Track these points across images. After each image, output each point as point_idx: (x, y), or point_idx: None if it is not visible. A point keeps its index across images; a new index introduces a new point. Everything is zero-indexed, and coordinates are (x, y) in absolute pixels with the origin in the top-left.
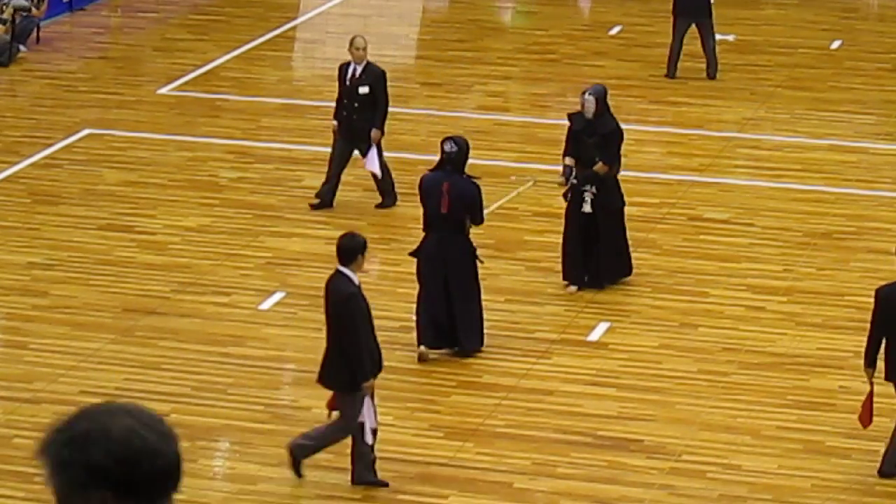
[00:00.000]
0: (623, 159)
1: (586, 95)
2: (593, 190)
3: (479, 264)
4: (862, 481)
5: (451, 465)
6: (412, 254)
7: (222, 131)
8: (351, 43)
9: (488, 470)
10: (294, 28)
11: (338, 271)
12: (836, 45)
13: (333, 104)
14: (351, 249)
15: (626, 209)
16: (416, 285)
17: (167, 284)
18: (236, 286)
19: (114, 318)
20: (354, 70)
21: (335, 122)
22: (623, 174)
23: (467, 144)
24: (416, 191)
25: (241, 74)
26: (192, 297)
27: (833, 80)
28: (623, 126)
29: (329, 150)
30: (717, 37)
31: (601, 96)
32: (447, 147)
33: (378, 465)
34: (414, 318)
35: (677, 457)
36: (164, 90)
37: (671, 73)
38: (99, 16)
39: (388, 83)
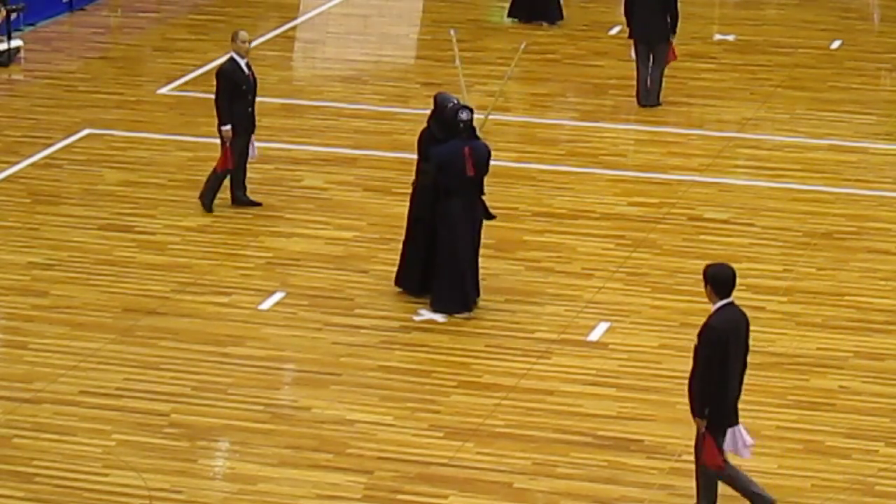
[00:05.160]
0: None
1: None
2: None
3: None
4: (862, 481)
5: (451, 465)
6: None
7: None
8: (237, 37)
9: (488, 470)
10: (294, 28)
11: None
12: (836, 45)
13: (333, 104)
14: None
15: (626, 209)
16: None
17: (167, 284)
18: (236, 286)
19: (114, 318)
20: (247, 64)
21: (229, 127)
22: (623, 174)
23: (472, 109)
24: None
25: None
26: (192, 297)
27: (833, 80)
28: (623, 126)
29: (328, 149)
30: (717, 37)
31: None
32: (464, 116)
33: (378, 464)
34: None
35: (677, 457)
36: (164, 90)
37: (641, 101)
38: (99, 16)
39: (388, 83)
